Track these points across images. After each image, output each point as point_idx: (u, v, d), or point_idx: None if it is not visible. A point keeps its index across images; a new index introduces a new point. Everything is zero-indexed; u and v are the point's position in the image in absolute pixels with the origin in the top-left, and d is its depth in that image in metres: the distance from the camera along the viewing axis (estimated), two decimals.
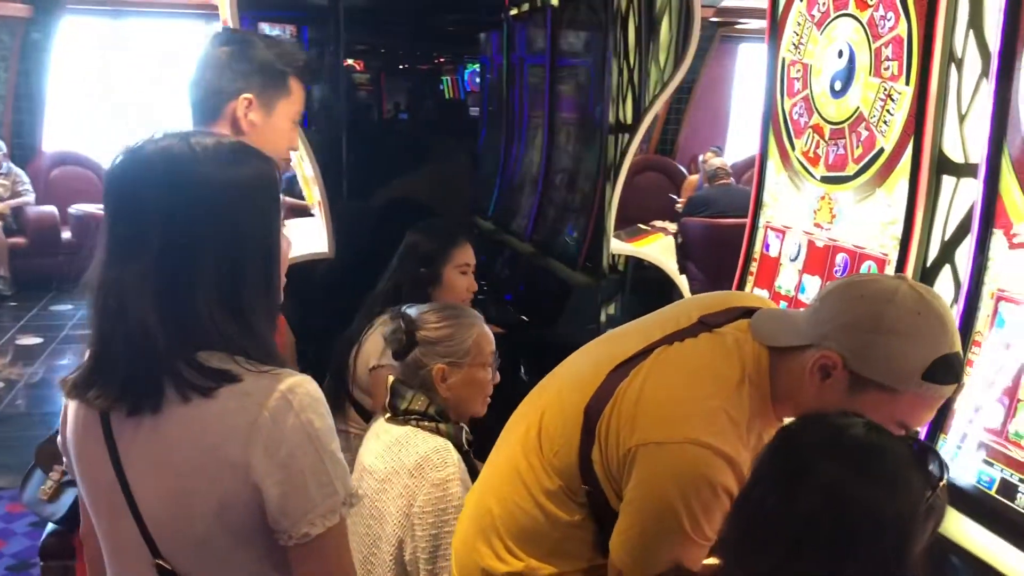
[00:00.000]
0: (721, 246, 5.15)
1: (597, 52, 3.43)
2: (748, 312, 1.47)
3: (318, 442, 1.07)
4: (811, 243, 2.11)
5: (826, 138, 2.05)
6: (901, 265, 1.78)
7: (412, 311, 1.98)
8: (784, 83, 2.22)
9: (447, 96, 5.22)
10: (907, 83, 1.78)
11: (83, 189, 7.61)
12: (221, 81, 1.68)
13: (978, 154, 1.62)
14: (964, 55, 1.67)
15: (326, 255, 3.13)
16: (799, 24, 2.15)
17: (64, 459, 1.23)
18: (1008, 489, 1.49)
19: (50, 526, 2.30)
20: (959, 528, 1.50)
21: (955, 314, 1.58)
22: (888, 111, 1.84)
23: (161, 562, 1.10)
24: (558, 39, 3.91)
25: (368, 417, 2.39)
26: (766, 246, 2.30)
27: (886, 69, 1.85)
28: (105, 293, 1.06)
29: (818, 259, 2.08)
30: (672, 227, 6.10)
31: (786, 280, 2.20)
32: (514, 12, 4.53)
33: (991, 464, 1.53)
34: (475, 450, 1.94)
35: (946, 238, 1.72)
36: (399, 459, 1.84)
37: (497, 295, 3.93)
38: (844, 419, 1.12)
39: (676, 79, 3.32)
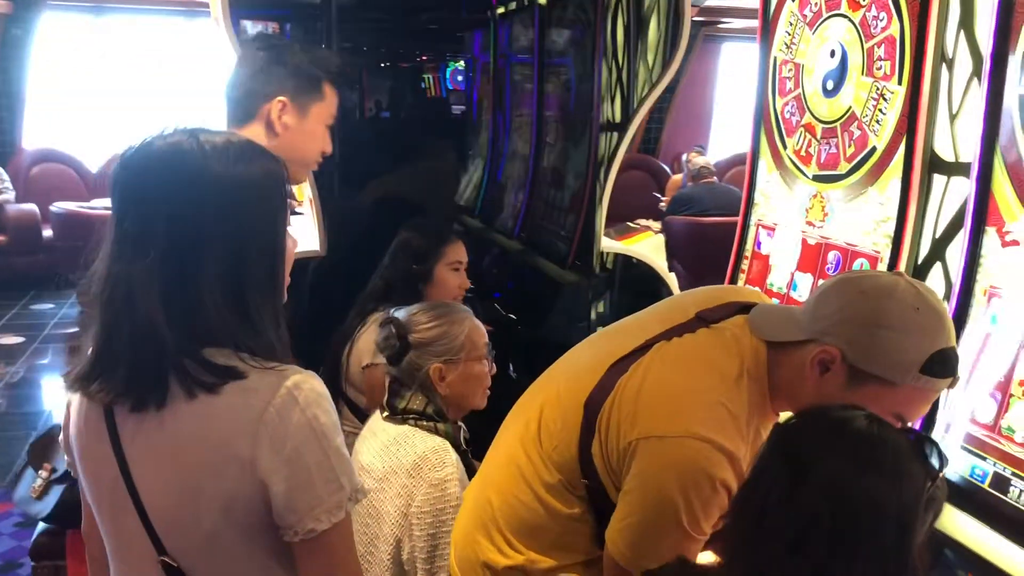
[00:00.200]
0: (705, 243, 5.19)
1: (586, 51, 3.44)
2: (745, 307, 1.49)
3: (323, 438, 1.07)
4: (803, 240, 2.12)
5: (818, 137, 2.07)
6: (893, 263, 1.80)
7: (400, 314, 1.97)
8: (776, 82, 2.24)
9: (430, 94, 5.22)
10: (899, 83, 1.80)
11: (64, 187, 7.53)
12: (256, 83, 1.70)
13: (968, 153, 1.64)
14: (955, 55, 1.69)
15: (317, 253, 3.12)
16: (791, 24, 2.17)
17: (66, 457, 1.22)
18: (1001, 483, 1.51)
19: (40, 526, 2.29)
20: (952, 521, 1.51)
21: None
22: (881, 110, 1.86)
23: (166, 559, 1.10)
24: (546, 38, 3.92)
25: (361, 415, 2.38)
26: (758, 244, 2.32)
27: (878, 69, 1.87)
28: (111, 287, 1.06)
29: (810, 257, 2.10)
30: (656, 225, 6.12)
31: (778, 278, 2.21)
32: (501, 11, 4.53)
33: (984, 458, 1.55)
34: (472, 450, 1.94)
35: (937, 236, 1.75)
36: (397, 458, 1.83)
37: (485, 293, 3.93)
38: (845, 412, 1.13)
39: (665, 79, 3.35)
